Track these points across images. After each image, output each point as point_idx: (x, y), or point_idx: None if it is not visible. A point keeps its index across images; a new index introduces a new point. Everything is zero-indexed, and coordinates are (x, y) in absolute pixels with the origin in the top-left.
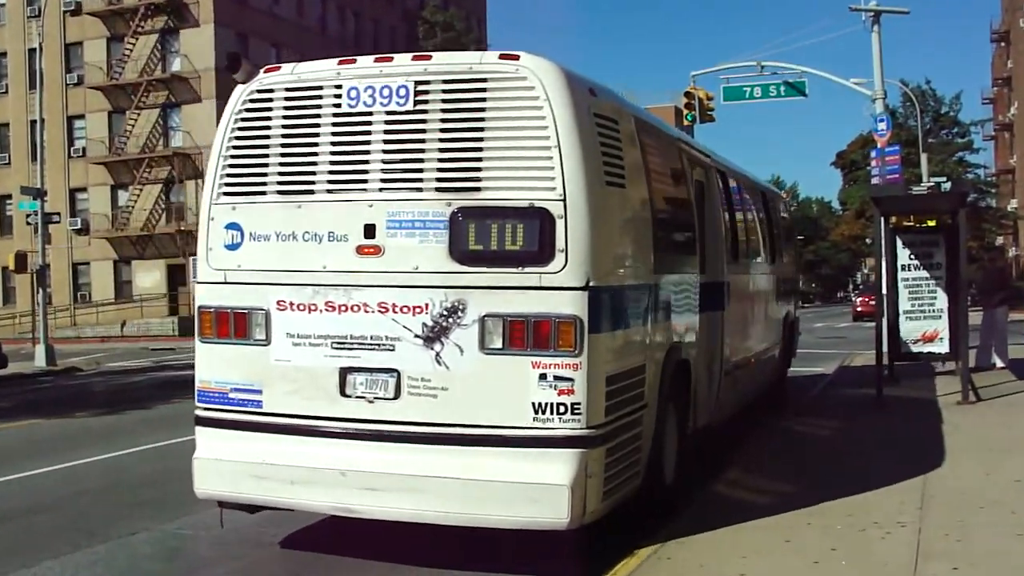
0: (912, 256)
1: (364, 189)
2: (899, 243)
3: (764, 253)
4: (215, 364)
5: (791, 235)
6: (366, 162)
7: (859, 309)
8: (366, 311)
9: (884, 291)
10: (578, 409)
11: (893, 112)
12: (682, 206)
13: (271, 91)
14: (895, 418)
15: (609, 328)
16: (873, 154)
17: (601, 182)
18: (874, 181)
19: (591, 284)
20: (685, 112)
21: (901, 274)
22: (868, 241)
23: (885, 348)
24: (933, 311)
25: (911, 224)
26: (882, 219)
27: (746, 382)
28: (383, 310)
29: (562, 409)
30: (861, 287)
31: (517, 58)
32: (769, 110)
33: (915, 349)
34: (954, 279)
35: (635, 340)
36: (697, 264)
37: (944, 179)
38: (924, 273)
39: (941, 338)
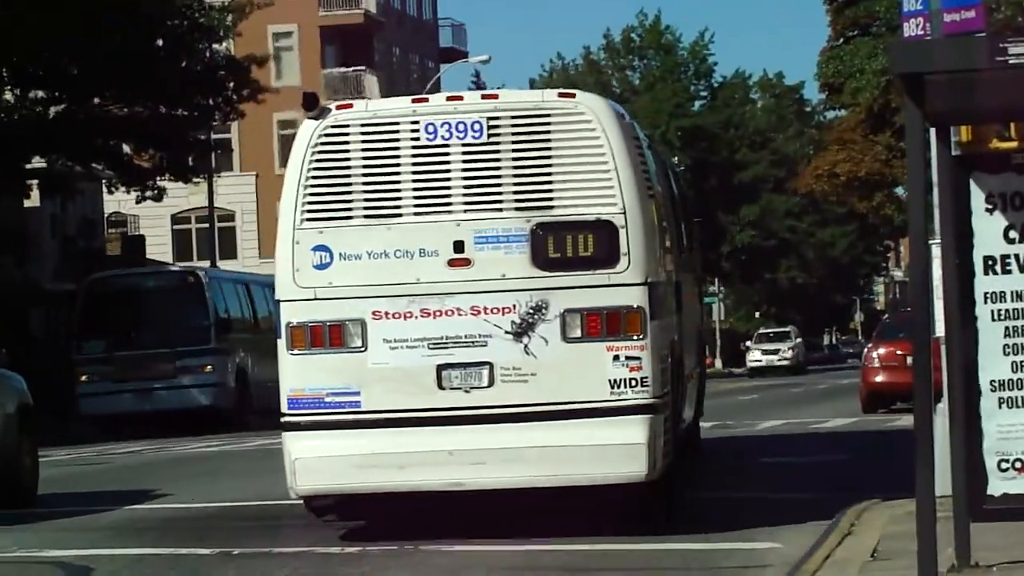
0: (1013, 231)
1: (450, 211)
2: (977, 196)
3: (685, 246)
4: (308, 373)
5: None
6: (448, 187)
7: (879, 379)
8: (459, 314)
9: (942, 328)
10: (646, 382)
11: None
12: (666, 205)
13: (346, 126)
14: None
15: (659, 317)
16: None
17: (645, 195)
18: (907, 33)
19: (649, 280)
20: None
21: (982, 282)
22: (900, 193)
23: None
24: None
25: (1009, 146)
26: (931, 132)
27: (687, 407)
28: (475, 312)
29: (634, 383)
30: (886, 319)
31: (573, 96)
32: None
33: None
34: None
35: (667, 329)
36: (672, 262)
37: None
38: None
39: None
